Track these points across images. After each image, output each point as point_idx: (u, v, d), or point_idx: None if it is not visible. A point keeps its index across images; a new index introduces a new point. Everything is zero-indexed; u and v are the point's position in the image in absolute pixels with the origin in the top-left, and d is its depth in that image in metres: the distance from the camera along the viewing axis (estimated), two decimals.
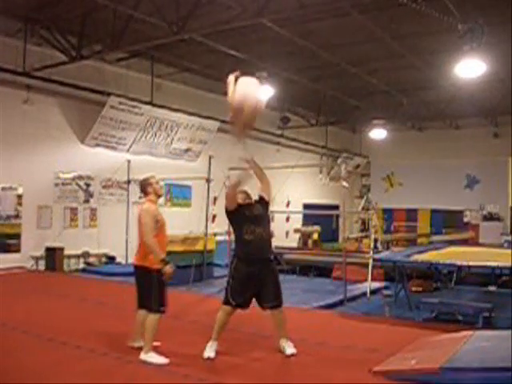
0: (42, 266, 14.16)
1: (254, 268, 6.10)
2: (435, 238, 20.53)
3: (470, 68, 11.94)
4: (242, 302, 6.12)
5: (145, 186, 6.36)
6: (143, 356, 5.81)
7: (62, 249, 14.18)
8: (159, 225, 6.08)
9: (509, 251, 12.91)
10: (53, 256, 13.98)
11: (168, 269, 5.79)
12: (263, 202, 6.45)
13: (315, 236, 21.35)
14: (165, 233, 6.23)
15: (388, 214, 26.13)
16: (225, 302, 6.17)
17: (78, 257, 15.13)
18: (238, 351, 6.33)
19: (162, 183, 6.63)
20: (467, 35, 10.42)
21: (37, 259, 14.13)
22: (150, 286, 5.92)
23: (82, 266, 15.13)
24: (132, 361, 5.83)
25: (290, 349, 6.17)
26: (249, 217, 6.22)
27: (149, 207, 6.16)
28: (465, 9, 10.93)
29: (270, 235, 6.39)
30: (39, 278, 12.95)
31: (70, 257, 14.76)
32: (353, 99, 20.57)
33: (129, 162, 15.93)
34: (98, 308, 9.07)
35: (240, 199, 6.31)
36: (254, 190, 6.56)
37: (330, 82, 18.56)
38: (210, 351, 6.00)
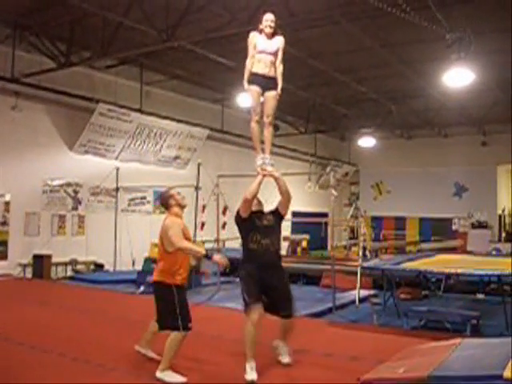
0: (29, 273, 14.07)
1: (259, 275, 5.95)
2: (424, 245, 20.58)
3: (459, 77, 12.03)
4: (257, 300, 5.84)
5: (166, 200, 6.02)
6: (159, 374, 5.51)
7: (49, 256, 14.10)
8: (184, 237, 5.74)
9: (496, 259, 13.00)
10: (40, 263, 13.89)
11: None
12: (277, 215, 6.29)
13: (304, 244, 21.34)
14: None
15: (377, 222, 26.19)
16: (246, 311, 5.87)
17: (65, 264, 15.04)
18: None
19: (183, 193, 6.23)
20: (455, 45, 10.50)
21: (24, 267, 14.04)
22: (172, 302, 5.60)
23: (69, 273, 15.03)
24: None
25: (287, 357, 6.10)
26: (258, 226, 6.09)
27: (174, 220, 5.82)
28: (453, 18, 11.01)
29: (277, 249, 6.20)
30: (26, 285, 12.86)
31: (57, 264, 14.68)
32: (342, 107, 20.63)
33: (117, 169, 15.88)
34: (89, 317, 8.96)
35: (252, 207, 6.19)
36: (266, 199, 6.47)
37: (319, 90, 18.61)
38: (251, 374, 5.59)
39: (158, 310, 5.82)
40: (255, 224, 6.10)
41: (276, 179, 6.22)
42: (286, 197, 6.28)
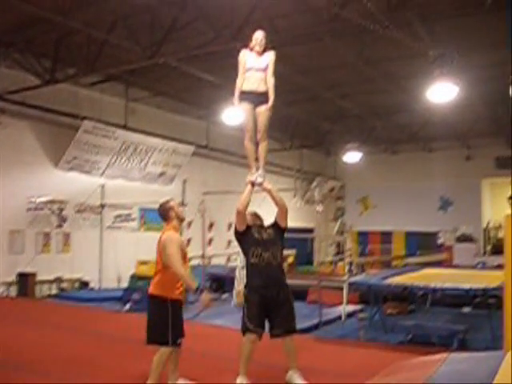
0: (13, 292, 13.92)
1: (263, 292, 5.90)
2: (410, 260, 20.61)
3: (442, 92, 12.14)
4: (258, 325, 5.84)
5: (166, 211, 5.82)
6: None
7: (34, 274, 13.97)
8: (183, 254, 5.65)
9: (482, 272, 13.05)
10: (25, 282, 13.76)
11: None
12: (277, 228, 6.26)
13: (290, 259, 21.30)
14: (187, 263, 5.80)
15: (363, 237, 26.18)
16: (243, 331, 5.88)
17: (50, 282, 14.89)
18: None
19: (182, 207, 6.14)
20: (438, 61, 10.61)
21: (9, 285, 13.89)
22: (165, 317, 5.47)
23: (54, 291, 14.89)
24: None
25: (299, 380, 5.94)
26: (257, 240, 6.06)
27: (172, 235, 5.66)
28: (436, 34, 11.15)
29: (279, 262, 6.14)
30: (10, 304, 12.72)
31: (42, 282, 14.53)
32: (327, 123, 20.73)
33: (103, 186, 15.82)
34: (75, 335, 8.87)
35: (249, 221, 6.18)
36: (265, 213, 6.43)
37: (304, 106, 18.70)
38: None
39: (149, 323, 5.64)
40: (255, 238, 6.08)
41: (269, 192, 6.24)
42: (282, 208, 6.27)
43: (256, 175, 6.29)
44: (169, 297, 5.53)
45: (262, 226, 6.23)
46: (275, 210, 6.34)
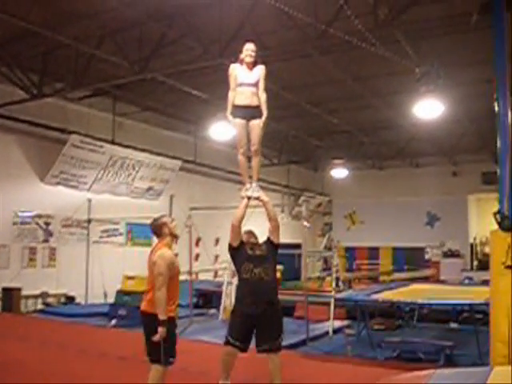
0: None
1: (250, 309, 5.85)
2: (397, 275, 20.66)
3: (428, 109, 12.23)
4: (240, 343, 5.84)
5: (159, 227, 5.63)
6: None
7: (19, 289, 13.84)
8: (174, 272, 5.48)
9: (469, 288, 13.10)
10: (10, 297, 13.63)
11: (163, 332, 5.21)
12: (270, 244, 6.20)
13: (278, 275, 21.26)
14: (178, 281, 5.60)
15: (350, 252, 26.25)
16: (225, 342, 5.94)
17: (36, 297, 14.76)
18: None
19: (176, 222, 5.86)
20: (424, 78, 10.69)
21: None
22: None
23: (40, 306, 14.76)
24: None
25: None
26: (250, 255, 6.02)
27: (165, 254, 5.46)
28: (422, 52, 11.26)
29: (272, 278, 6.08)
30: None
31: (27, 297, 14.40)
32: (314, 138, 20.80)
33: (89, 200, 15.76)
34: (60, 351, 8.79)
35: (245, 238, 6.15)
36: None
37: (291, 122, 18.77)
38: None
39: (146, 342, 5.46)
40: (247, 254, 6.05)
41: (265, 204, 6.23)
42: (274, 223, 6.22)
43: (252, 189, 6.28)
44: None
45: (256, 243, 6.21)
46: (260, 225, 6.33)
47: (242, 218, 6.11)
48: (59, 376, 6.95)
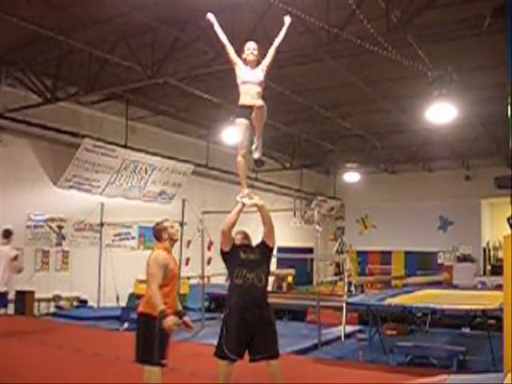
0: (11, 309, 13.82)
1: (243, 315, 5.64)
2: (410, 280, 20.59)
3: (441, 113, 12.18)
4: (236, 355, 5.59)
5: (159, 232, 5.75)
6: None
7: (32, 292, 13.89)
8: (170, 275, 5.52)
9: (482, 293, 13.01)
10: (23, 300, 13.67)
11: (168, 322, 5.21)
12: (264, 247, 5.98)
13: (290, 279, 21.26)
14: (175, 284, 5.63)
15: (362, 257, 26.21)
16: (220, 356, 5.63)
17: (48, 300, 14.83)
18: None
19: (177, 226, 5.96)
20: (437, 82, 10.67)
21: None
22: (151, 336, 5.35)
23: (52, 309, 14.82)
24: None
25: None
26: (243, 260, 5.81)
27: (157, 255, 5.56)
28: (435, 56, 11.22)
29: (264, 285, 5.87)
30: (7, 322, 12.61)
31: (40, 300, 14.46)
32: (327, 142, 20.77)
33: (102, 204, 15.81)
34: (71, 354, 8.80)
35: (237, 240, 5.94)
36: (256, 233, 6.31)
37: (304, 126, 18.74)
38: None
39: (137, 341, 5.53)
40: (240, 258, 5.83)
41: (259, 208, 5.98)
42: (269, 227, 6.00)
43: (244, 197, 6.02)
44: (156, 315, 5.33)
45: (249, 246, 6.00)
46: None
47: (234, 224, 5.90)
48: (69, 379, 6.96)
